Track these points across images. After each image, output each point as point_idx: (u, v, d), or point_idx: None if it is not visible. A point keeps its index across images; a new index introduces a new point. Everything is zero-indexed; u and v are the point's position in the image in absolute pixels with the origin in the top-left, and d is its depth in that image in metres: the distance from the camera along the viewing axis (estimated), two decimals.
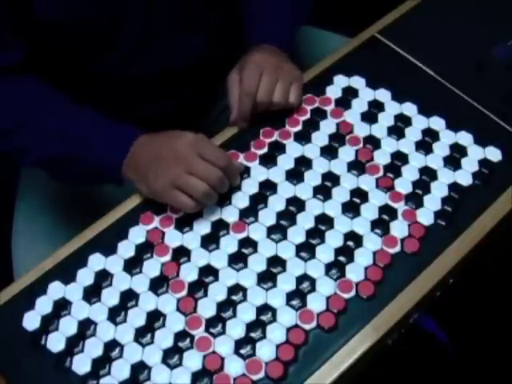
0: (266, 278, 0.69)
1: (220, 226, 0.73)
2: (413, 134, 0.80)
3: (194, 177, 0.70)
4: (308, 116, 0.82)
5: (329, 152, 0.79)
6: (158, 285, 0.70)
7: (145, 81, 0.86)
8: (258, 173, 0.77)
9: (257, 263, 0.70)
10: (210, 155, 0.71)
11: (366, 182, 0.76)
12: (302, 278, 0.69)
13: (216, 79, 0.90)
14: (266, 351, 0.65)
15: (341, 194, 0.75)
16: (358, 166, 0.78)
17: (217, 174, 0.71)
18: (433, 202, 0.75)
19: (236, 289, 0.69)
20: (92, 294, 0.70)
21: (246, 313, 0.67)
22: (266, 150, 0.80)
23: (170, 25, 0.82)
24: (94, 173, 0.76)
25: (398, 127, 0.81)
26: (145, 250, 0.72)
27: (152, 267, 0.71)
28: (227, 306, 0.68)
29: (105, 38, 0.79)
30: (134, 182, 0.74)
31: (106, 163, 0.74)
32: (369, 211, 0.74)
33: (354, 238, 0.72)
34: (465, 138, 0.80)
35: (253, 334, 0.66)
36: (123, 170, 0.74)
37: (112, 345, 0.66)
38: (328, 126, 0.81)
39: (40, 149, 0.75)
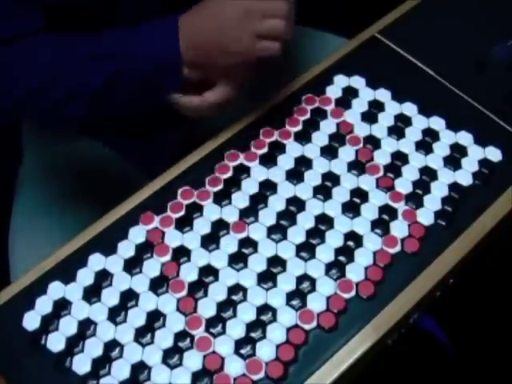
0: (266, 278, 0.69)
1: (220, 226, 0.73)
2: (413, 134, 0.80)
3: (271, 19, 0.70)
4: (308, 116, 0.82)
5: (329, 152, 0.79)
6: (158, 285, 0.70)
7: None
8: (258, 173, 0.77)
9: (257, 263, 0.70)
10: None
11: (366, 182, 0.76)
12: (302, 278, 0.69)
13: None
14: (266, 351, 0.65)
15: (341, 194, 0.75)
16: (358, 166, 0.78)
17: (285, 5, 0.71)
18: (433, 202, 0.75)
19: (236, 289, 0.69)
20: (92, 293, 0.70)
21: (246, 313, 0.67)
22: (266, 149, 0.80)
23: (168, 5, 0.80)
24: (147, 84, 0.74)
25: (398, 127, 0.81)
26: (145, 249, 0.72)
27: (152, 267, 0.71)
28: (227, 305, 0.68)
29: (100, 18, 0.77)
30: (199, 68, 0.73)
31: (159, 56, 0.72)
32: (369, 211, 0.74)
33: (354, 238, 0.72)
34: (465, 138, 0.80)
35: (253, 334, 0.66)
36: (184, 55, 0.72)
37: (112, 345, 0.66)
38: (328, 126, 0.81)
39: (85, 84, 0.72)
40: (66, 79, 0.73)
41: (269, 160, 0.78)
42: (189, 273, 0.70)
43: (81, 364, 0.65)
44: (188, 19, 0.73)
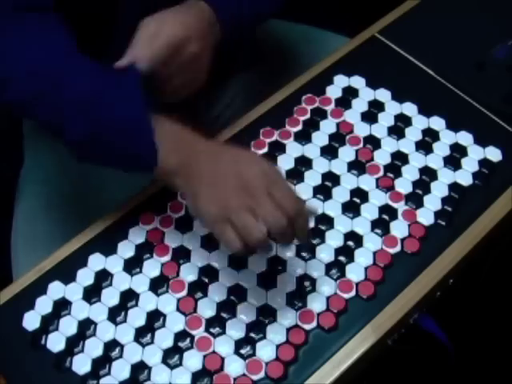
0: (266, 278, 0.69)
1: None
2: (413, 133, 0.80)
3: (253, 217, 0.59)
4: (308, 116, 0.82)
5: (329, 152, 0.79)
6: (157, 285, 0.70)
7: None
8: None
9: (257, 263, 0.70)
10: (283, 197, 0.59)
11: (366, 182, 0.76)
12: (302, 278, 0.69)
13: (217, 70, 0.88)
14: (266, 351, 0.65)
15: (341, 194, 0.75)
16: (358, 166, 0.78)
17: (282, 222, 0.59)
18: (433, 201, 0.75)
19: (236, 289, 0.69)
20: (92, 293, 0.70)
21: (246, 313, 0.67)
22: (266, 149, 0.80)
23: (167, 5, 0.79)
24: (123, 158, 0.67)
25: (398, 127, 0.81)
26: (145, 250, 0.72)
27: (152, 267, 0.71)
28: (227, 305, 0.68)
29: (100, 17, 0.76)
30: (176, 181, 0.65)
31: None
32: (369, 211, 0.74)
33: (354, 238, 0.72)
34: (465, 137, 0.80)
35: (253, 334, 0.66)
36: (164, 157, 0.63)
37: (112, 345, 0.66)
38: (328, 126, 0.81)
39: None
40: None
41: (269, 160, 0.78)
42: (189, 273, 0.70)
43: (81, 364, 0.65)
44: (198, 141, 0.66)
